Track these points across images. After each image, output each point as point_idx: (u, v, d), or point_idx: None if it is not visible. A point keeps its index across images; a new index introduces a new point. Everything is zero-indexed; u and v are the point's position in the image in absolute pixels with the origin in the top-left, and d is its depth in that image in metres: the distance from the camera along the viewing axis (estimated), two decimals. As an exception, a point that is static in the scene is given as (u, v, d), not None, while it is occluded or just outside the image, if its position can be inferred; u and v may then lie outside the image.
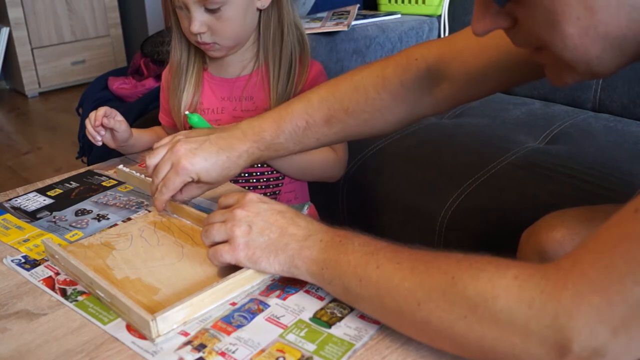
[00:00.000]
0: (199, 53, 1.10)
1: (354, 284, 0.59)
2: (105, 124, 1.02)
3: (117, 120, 1.03)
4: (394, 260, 0.57)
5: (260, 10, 1.04)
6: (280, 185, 1.10)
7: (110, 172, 1.04)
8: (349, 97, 0.85)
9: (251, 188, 1.07)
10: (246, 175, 1.07)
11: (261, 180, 1.09)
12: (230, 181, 1.03)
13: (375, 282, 0.57)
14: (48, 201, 0.94)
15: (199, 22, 0.99)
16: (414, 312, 0.54)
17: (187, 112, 1.01)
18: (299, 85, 1.06)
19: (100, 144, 1.04)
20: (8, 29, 3.45)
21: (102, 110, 1.02)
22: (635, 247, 0.44)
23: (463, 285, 0.51)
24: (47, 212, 0.90)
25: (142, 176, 0.96)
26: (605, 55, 0.53)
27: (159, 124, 1.20)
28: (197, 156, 0.81)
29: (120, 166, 1.01)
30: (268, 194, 1.08)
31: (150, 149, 1.06)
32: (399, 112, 0.86)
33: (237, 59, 1.08)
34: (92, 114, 1.02)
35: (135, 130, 1.10)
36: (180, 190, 0.83)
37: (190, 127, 1.02)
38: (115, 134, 1.04)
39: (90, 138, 1.04)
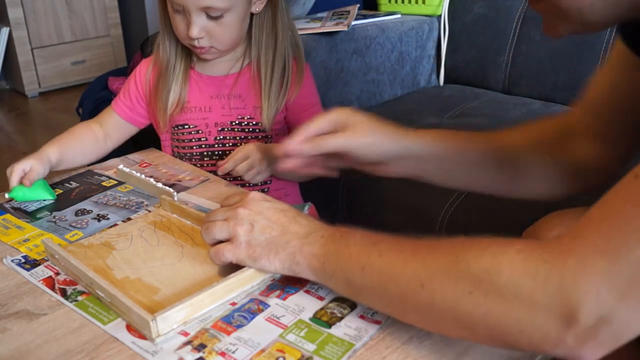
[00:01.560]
0: (185, 52, 1.09)
1: (356, 275, 0.59)
2: (28, 185, 0.94)
3: (33, 173, 0.95)
4: (396, 248, 0.58)
5: (252, 14, 1.05)
6: (268, 182, 1.10)
7: (110, 172, 1.04)
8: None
9: (238, 184, 1.07)
10: None
11: None
12: (218, 175, 1.02)
13: (378, 270, 0.57)
14: (48, 201, 0.94)
15: (198, 27, 0.98)
16: (417, 295, 0.54)
17: (6, 194, 0.94)
18: (294, 90, 1.07)
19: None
20: (8, 29, 3.45)
21: (15, 179, 0.94)
22: (637, 210, 0.44)
23: (466, 263, 0.51)
24: (47, 212, 0.90)
25: (142, 176, 0.96)
26: (599, 3, 0.54)
27: None
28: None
29: (121, 166, 1.01)
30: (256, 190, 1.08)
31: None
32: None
33: (226, 57, 1.08)
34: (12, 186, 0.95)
35: (54, 148, 1.03)
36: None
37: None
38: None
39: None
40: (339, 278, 0.61)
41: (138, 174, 0.97)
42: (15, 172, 0.95)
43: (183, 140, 1.12)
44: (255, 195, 0.70)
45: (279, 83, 1.06)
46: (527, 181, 0.81)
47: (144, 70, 1.14)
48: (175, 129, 1.11)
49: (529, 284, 0.47)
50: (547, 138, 0.81)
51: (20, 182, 0.94)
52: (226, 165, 0.96)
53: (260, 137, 1.09)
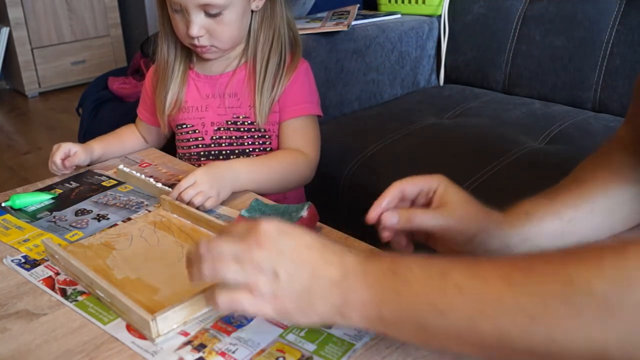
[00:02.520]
0: (185, 52, 1.10)
1: (432, 319, 0.49)
2: (67, 166, 1.04)
3: (76, 157, 1.04)
4: (477, 278, 0.48)
5: (252, 11, 1.05)
6: None
7: (110, 172, 1.04)
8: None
9: None
10: None
11: None
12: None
13: (462, 308, 0.47)
14: (48, 201, 0.94)
15: (198, 26, 0.99)
16: (527, 331, 0.45)
17: (3, 203, 0.94)
18: (284, 84, 1.06)
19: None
20: (8, 29, 3.45)
21: (58, 156, 1.03)
22: None
23: (586, 283, 0.43)
24: (47, 212, 0.90)
25: (142, 176, 0.96)
26: None
27: None
28: None
29: (121, 166, 1.01)
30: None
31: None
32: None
33: (224, 56, 1.08)
34: (54, 161, 1.03)
35: (99, 144, 1.11)
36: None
37: None
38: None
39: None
40: (406, 325, 0.51)
41: (138, 174, 0.97)
42: (61, 150, 1.03)
43: (181, 140, 1.12)
44: (269, 228, 0.55)
45: (273, 79, 1.05)
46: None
47: (150, 73, 1.16)
48: (176, 128, 1.12)
49: None
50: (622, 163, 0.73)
51: (62, 164, 1.03)
52: (172, 193, 0.90)
53: (256, 136, 1.08)
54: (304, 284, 0.53)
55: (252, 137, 1.08)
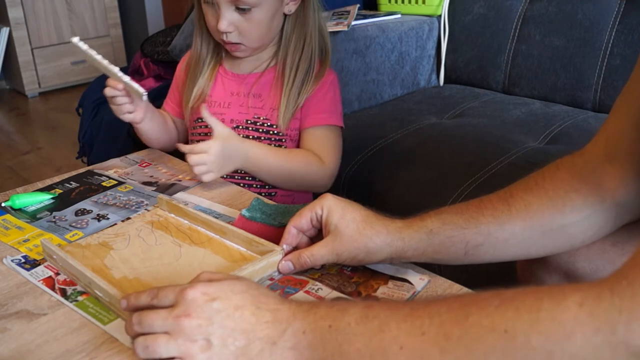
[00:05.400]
0: (218, 48, 1.11)
1: None
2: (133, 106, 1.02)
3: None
4: (416, 332, 0.48)
5: (285, 15, 1.06)
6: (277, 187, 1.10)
7: (110, 172, 1.04)
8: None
9: (246, 186, 1.07)
10: (242, 172, 1.08)
11: (257, 179, 1.09)
12: (226, 179, 1.03)
13: None
14: (48, 201, 0.94)
15: (227, 21, 1.00)
16: None
17: (3, 203, 0.92)
18: (309, 92, 1.07)
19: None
20: (8, 29, 3.45)
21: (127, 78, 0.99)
22: None
23: (524, 337, 0.43)
24: (47, 212, 0.90)
25: (97, 56, 0.96)
26: None
27: None
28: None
29: (75, 39, 0.98)
30: (263, 194, 1.07)
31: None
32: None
33: (254, 57, 1.10)
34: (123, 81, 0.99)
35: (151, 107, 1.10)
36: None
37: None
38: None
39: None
40: None
41: (95, 54, 0.96)
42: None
43: (198, 134, 1.13)
44: (195, 295, 0.54)
45: (300, 85, 1.06)
46: (568, 237, 0.71)
47: (181, 64, 1.18)
48: (195, 122, 1.13)
49: (608, 341, 0.41)
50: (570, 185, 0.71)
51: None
52: (184, 148, 0.96)
53: (273, 139, 1.08)
54: (239, 346, 0.52)
55: (269, 139, 1.09)
